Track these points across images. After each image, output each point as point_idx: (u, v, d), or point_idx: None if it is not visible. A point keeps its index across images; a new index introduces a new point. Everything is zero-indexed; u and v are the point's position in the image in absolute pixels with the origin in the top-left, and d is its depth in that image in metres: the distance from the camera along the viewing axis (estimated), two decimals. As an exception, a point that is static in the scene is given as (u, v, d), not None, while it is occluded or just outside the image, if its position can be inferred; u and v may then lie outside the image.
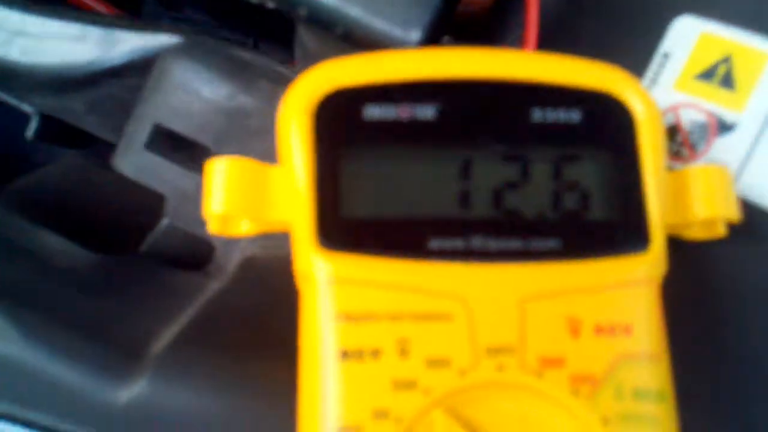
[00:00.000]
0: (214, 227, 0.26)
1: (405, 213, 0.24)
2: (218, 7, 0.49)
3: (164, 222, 0.32)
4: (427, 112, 0.25)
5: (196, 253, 0.32)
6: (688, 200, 0.26)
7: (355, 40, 0.29)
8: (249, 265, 0.31)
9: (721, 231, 0.26)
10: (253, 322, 0.28)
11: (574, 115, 0.25)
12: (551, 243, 0.24)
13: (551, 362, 0.23)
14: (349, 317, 0.23)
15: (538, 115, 0.25)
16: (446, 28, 0.37)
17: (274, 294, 0.27)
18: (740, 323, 0.27)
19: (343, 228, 0.24)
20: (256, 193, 0.25)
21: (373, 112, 0.25)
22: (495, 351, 0.23)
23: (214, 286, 0.30)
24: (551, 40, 0.31)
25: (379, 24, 0.28)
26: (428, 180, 0.25)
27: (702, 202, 0.26)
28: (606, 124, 0.26)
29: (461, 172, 0.25)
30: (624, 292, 0.24)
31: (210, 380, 0.26)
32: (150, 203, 0.33)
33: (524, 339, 0.23)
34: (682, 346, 0.25)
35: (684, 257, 0.26)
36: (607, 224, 0.25)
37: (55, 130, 0.37)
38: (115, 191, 0.35)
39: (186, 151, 0.33)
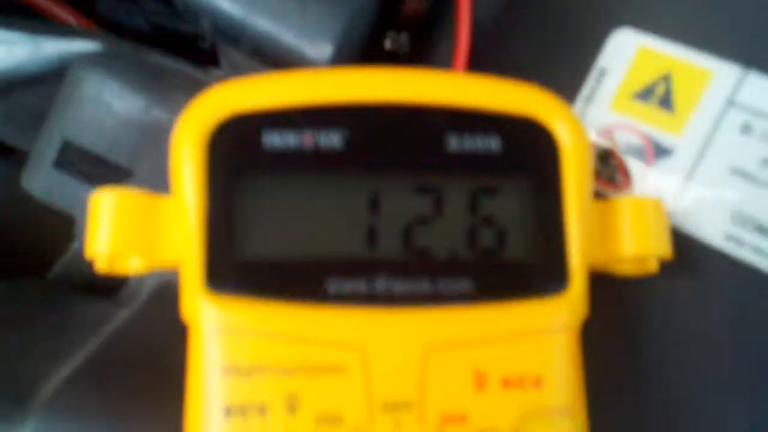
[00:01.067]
0: (100, 266, 0.24)
1: (304, 252, 0.23)
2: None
3: (74, 245, 0.30)
4: (332, 139, 0.23)
5: (108, 278, 0.30)
6: (618, 235, 0.24)
7: (264, 55, 0.27)
8: (162, 292, 0.29)
9: (652, 267, 0.25)
10: (158, 358, 0.27)
11: (494, 143, 0.24)
12: (462, 285, 0.23)
13: (452, 419, 0.22)
14: (235, 370, 0.21)
15: (454, 142, 0.23)
16: (383, 31, 0.35)
17: (183, 325, 0.26)
18: (672, 365, 0.25)
19: (235, 269, 0.22)
20: (145, 229, 0.23)
21: (273, 139, 0.23)
22: (392, 406, 0.21)
23: (122, 315, 0.28)
24: (485, 53, 0.29)
25: (287, 38, 0.26)
26: (332, 215, 0.23)
27: (632, 238, 0.24)
28: (528, 153, 0.24)
29: (369, 206, 0.23)
30: (537, 339, 0.23)
31: (97, 425, 0.24)
32: (64, 226, 0.31)
33: (424, 393, 0.22)
34: (606, 391, 0.23)
35: (611, 291, 0.25)
36: (523, 263, 0.23)
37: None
38: (32, 210, 0.33)
39: (98, 169, 0.31)
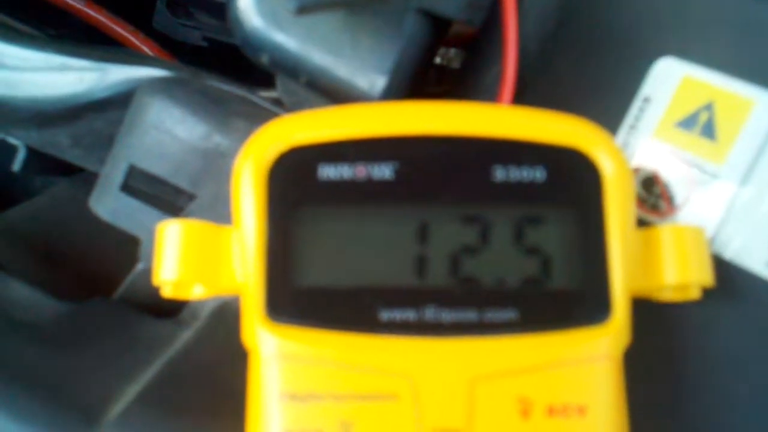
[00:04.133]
0: (166, 292, 0.25)
1: (357, 282, 0.24)
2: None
3: (139, 267, 0.32)
4: (384, 171, 0.24)
5: (171, 299, 0.32)
6: (660, 263, 0.25)
7: (319, 88, 0.28)
8: (222, 313, 0.31)
9: (694, 295, 0.25)
10: (220, 377, 0.28)
11: (539, 174, 0.24)
12: (508, 314, 0.24)
13: None
14: (292, 396, 0.23)
15: (500, 173, 0.24)
16: (434, 54, 0.36)
17: (241, 344, 0.27)
18: (711, 391, 0.26)
19: (293, 299, 0.24)
20: (209, 258, 0.25)
21: (328, 172, 0.24)
22: None
23: (184, 336, 0.30)
24: (531, 83, 0.30)
25: (341, 72, 0.27)
26: (383, 244, 0.24)
27: (674, 266, 0.25)
28: (572, 183, 0.24)
29: (418, 235, 0.24)
30: (581, 368, 0.23)
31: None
32: (128, 245, 0.33)
33: (472, 421, 0.23)
34: (647, 415, 0.24)
35: (652, 316, 0.25)
36: (568, 293, 0.24)
37: (42, 162, 0.37)
38: (98, 229, 0.34)
39: (162, 193, 0.32)
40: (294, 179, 0.24)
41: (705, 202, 0.27)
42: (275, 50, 0.28)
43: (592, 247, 0.24)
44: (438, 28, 0.30)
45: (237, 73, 0.38)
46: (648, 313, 0.25)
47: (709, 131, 0.27)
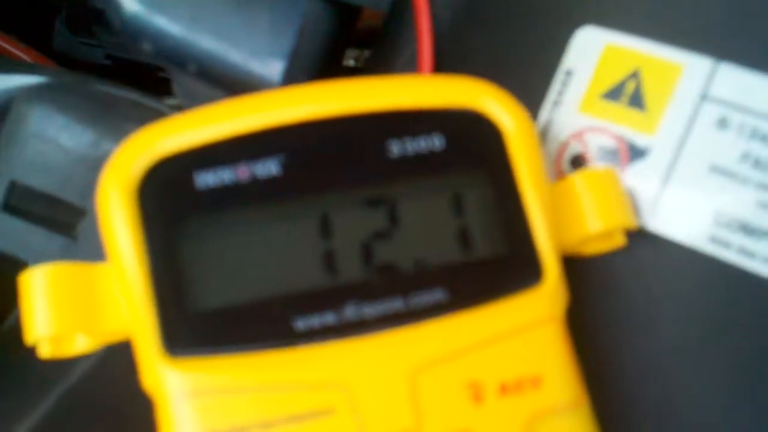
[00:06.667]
0: (44, 351, 0.22)
1: (262, 293, 0.21)
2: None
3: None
4: (269, 167, 0.22)
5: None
6: (580, 213, 0.23)
7: (211, 77, 0.25)
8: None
9: (620, 241, 0.24)
10: (123, 412, 0.25)
11: (438, 141, 0.23)
12: (435, 295, 0.22)
13: None
14: None
15: (396, 147, 0.22)
16: (343, 47, 0.33)
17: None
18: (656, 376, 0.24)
19: (193, 327, 0.21)
20: (87, 303, 0.21)
21: (206, 179, 0.21)
22: None
23: (78, 370, 0.26)
24: (445, 58, 0.28)
25: (235, 57, 0.25)
26: (283, 247, 0.21)
27: (596, 213, 0.23)
28: (473, 146, 0.23)
29: (320, 229, 0.22)
30: (524, 337, 0.22)
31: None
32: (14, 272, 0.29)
33: (421, 419, 0.20)
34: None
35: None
36: (493, 261, 0.22)
37: None
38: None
39: (49, 210, 0.29)
40: (169, 194, 0.21)
41: (639, 176, 0.25)
42: (158, 37, 0.25)
43: (508, 208, 0.22)
44: (343, 14, 0.28)
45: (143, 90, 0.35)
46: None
47: (637, 101, 0.25)
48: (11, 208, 0.29)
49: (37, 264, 0.28)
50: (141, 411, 0.23)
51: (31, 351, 0.27)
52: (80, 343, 0.22)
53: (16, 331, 0.29)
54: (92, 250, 0.28)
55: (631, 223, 0.24)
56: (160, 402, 0.21)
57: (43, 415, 0.24)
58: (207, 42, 0.25)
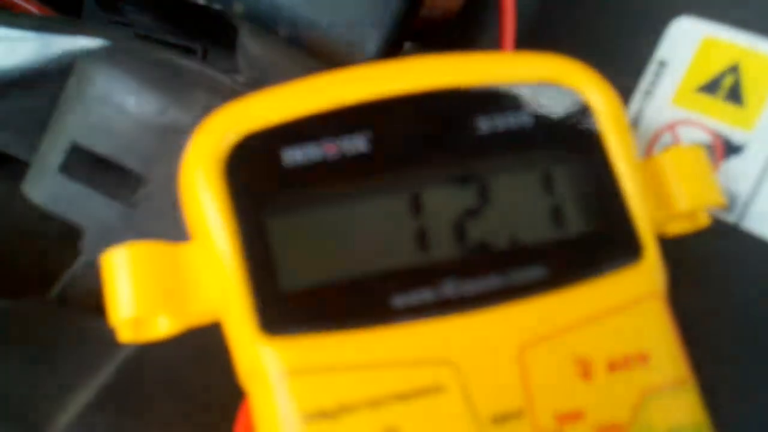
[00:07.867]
0: (125, 335, 0.21)
1: (357, 271, 0.20)
2: (162, 8, 0.44)
3: (81, 260, 0.28)
4: (357, 143, 0.21)
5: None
6: (668, 191, 0.22)
7: (302, 42, 0.24)
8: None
9: (704, 221, 0.23)
10: (182, 379, 0.24)
11: (526, 117, 0.22)
12: (535, 272, 0.21)
13: (568, 417, 0.20)
14: (320, 415, 0.19)
15: (485, 124, 0.22)
16: (406, 35, 0.33)
17: (209, 343, 0.23)
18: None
19: (290, 305, 0.20)
20: (171, 284, 0.20)
21: (294, 155, 0.21)
22: (502, 418, 0.19)
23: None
24: (533, 40, 0.27)
25: (330, 24, 0.24)
26: (373, 225, 0.21)
27: (684, 191, 0.22)
28: (563, 123, 0.22)
29: (411, 207, 0.21)
30: (630, 313, 0.21)
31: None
32: (68, 237, 0.28)
33: (531, 396, 0.20)
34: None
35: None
36: (591, 237, 0.21)
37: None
38: (33, 221, 0.30)
39: (109, 175, 0.28)
40: (257, 171, 0.20)
41: (734, 173, 0.24)
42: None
43: (601, 184, 0.22)
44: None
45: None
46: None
47: (735, 96, 0.24)
48: (70, 171, 0.28)
49: (94, 230, 0.28)
50: (204, 376, 0.23)
51: (82, 317, 0.27)
52: (163, 326, 0.21)
53: (71, 291, 0.28)
54: (151, 220, 0.27)
55: (719, 200, 0.23)
56: (258, 384, 0.20)
57: (103, 385, 0.23)
58: (303, 7, 0.24)
